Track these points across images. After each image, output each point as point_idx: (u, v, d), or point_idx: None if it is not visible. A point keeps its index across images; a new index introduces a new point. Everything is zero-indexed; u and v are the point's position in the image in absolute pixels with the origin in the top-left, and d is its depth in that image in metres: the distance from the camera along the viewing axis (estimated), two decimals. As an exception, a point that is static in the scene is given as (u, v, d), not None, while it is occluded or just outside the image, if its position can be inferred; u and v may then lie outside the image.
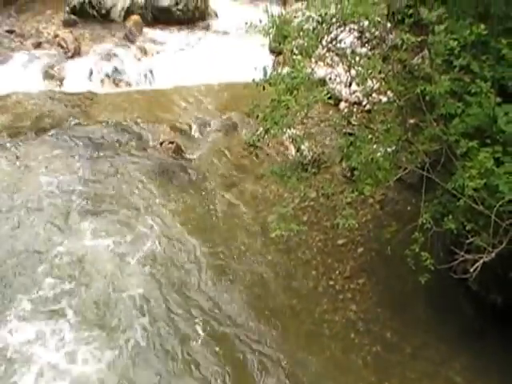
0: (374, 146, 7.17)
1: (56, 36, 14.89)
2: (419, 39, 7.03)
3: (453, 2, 7.94)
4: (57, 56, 14.12)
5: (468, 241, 6.44)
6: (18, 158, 10.20)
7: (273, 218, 7.03)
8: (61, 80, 13.30)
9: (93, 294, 7.99)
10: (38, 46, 14.60)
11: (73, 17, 15.90)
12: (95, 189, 9.68)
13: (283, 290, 8.48)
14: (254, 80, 6.88)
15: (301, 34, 6.84)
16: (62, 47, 14.40)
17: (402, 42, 6.92)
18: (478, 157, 6.38)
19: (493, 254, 6.11)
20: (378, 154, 7.11)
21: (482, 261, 6.09)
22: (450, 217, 6.57)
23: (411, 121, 7.66)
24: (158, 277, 8.40)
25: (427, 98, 6.96)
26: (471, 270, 6.15)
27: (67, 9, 16.16)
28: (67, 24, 15.65)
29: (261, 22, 6.98)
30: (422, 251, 6.57)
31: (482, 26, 6.68)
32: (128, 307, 7.84)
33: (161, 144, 10.53)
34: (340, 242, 9.03)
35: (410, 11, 7.13)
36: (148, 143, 10.60)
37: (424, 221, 6.56)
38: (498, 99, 6.66)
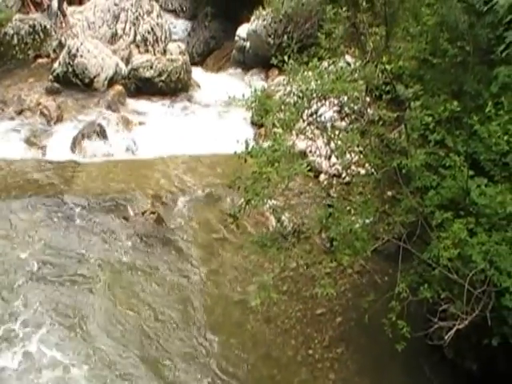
0: (353, 218, 7.32)
1: (39, 104, 14.91)
2: (396, 115, 7.29)
3: (428, 80, 8.26)
4: (39, 124, 14.17)
5: (441, 308, 6.59)
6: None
7: (253, 288, 7.10)
8: (43, 148, 13.28)
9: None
10: (20, 113, 14.61)
11: (56, 85, 15.97)
12: (70, 258, 9.61)
13: (263, 359, 8.47)
14: (235, 152, 7.01)
15: (282, 108, 7.04)
16: (45, 115, 14.44)
17: (379, 117, 7.17)
18: (453, 228, 6.57)
19: (466, 322, 6.25)
20: (357, 225, 7.25)
21: (455, 328, 6.24)
22: (426, 286, 6.69)
23: (388, 193, 7.87)
24: (131, 348, 8.36)
25: (404, 171, 7.17)
26: (446, 336, 6.29)
27: (50, 77, 16.28)
28: (50, 92, 15.71)
29: (243, 95, 7.18)
30: (398, 319, 6.67)
31: (456, 103, 6.95)
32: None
33: (142, 214, 10.56)
34: (319, 311, 9.08)
35: (387, 88, 7.41)
36: (130, 213, 10.61)
37: (400, 290, 6.68)
38: (471, 172, 6.89)
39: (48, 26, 18.39)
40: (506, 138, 6.61)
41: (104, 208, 10.71)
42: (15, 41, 17.77)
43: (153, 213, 10.59)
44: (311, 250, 8.86)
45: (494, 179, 6.94)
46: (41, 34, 18.21)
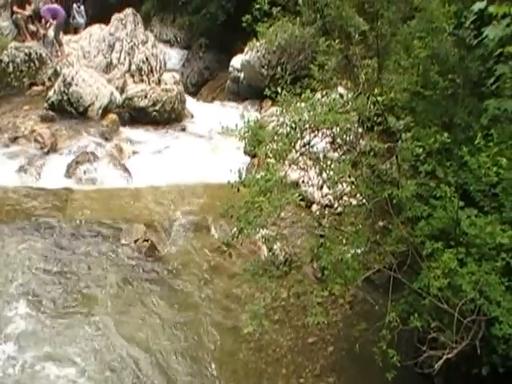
0: (344, 247, 7.36)
1: (33, 131, 14.97)
2: (387, 146, 7.38)
3: (419, 112, 8.37)
4: (33, 151, 14.22)
5: (430, 336, 6.63)
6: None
7: (245, 317, 7.11)
8: (37, 175, 13.29)
9: None
10: (14, 140, 14.65)
11: (51, 113, 16.07)
12: (61, 287, 9.58)
13: (254, 388, 8.47)
14: (229, 182, 7.08)
15: (275, 138, 7.11)
16: (39, 142, 14.49)
17: (371, 148, 7.26)
18: (443, 258, 6.62)
19: (455, 351, 6.29)
20: (348, 254, 7.29)
21: (445, 357, 6.28)
22: (416, 315, 6.71)
23: (380, 223, 7.91)
24: (121, 376, 8.28)
25: (395, 201, 7.24)
26: (435, 365, 6.32)
27: (45, 105, 16.39)
28: (45, 120, 15.79)
29: (237, 125, 7.26)
30: (388, 348, 6.68)
31: (446, 135, 7.04)
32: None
33: (135, 242, 10.57)
34: (310, 340, 9.08)
35: (379, 119, 7.50)
36: (122, 241, 10.62)
37: (391, 319, 6.70)
38: (461, 203, 6.95)
39: (43, 55, 18.54)
40: (495, 169, 6.67)
41: (97, 236, 10.71)
42: (11, 68, 17.90)
43: (145, 241, 10.61)
44: (303, 280, 8.90)
45: (484, 210, 7.00)
46: (36, 62, 18.35)
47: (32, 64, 18.26)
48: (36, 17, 19.64)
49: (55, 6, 20.85)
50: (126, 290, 9.64)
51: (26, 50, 18.33)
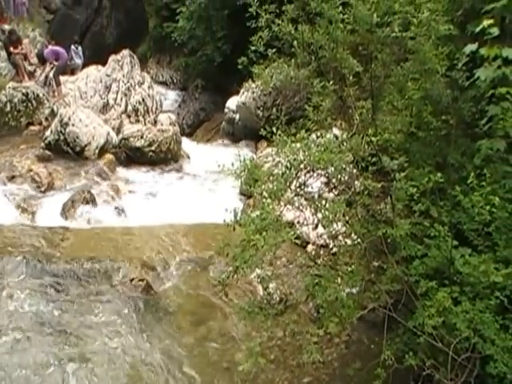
0: (339, 286, 7.39)
1: (30, 170, 15.12)
2: (382, 185, 7.44)
3: (413, 152, 8.45)
4: (30, 190, 14.33)
5: (425, 374, 6.63)
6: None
7: (241, 356, 7.10)
8: (33, 214, 13.36)
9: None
10: (11, 179, 14.79)
11: (47, 152, 16.27)
12: (53, 326, 9.53)
13: (250, 429, 8.41)
14: (224, 221, 7.12)
15: (270, 178, 7.17)
16: (36, 182, 14.61)
17: (365, 187, 7.32)
18: (437, 296, 6.65)
19: (450, 389, 6.30)
20: (343, 293, 7.31)
21: (440, 395, 6.27)
22: (411, 353, 6.73)
23: (375, 262, 7.93)
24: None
25: (389, 240, 7.29)
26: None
27: (42, 144, 16.60)
28: (42, 159, 15.97)
29: (233, 165, 7.32)
30: (383, 386, 6.69)
31: (440, 175, 7.11)
32: None
33: (131, 281, 10.56)
34: (306, 380, 9.02)
35: (374, 159, 7.58)
36: (118, 280, 10.59)
37: (386, 357, 6.70)
38: (455, 242, 7.01)
39: (41, 95, 18.78)
40: (488, 208, 6.71)
41: (92, 275, 10.68)
42: (8, 108, 18.13)
43: (141, 280, 10.59)
44: (298, 319, 8.89)
45: (478, 249, 7.04)
46: (33, 102, 18.59)
47: (29, 104, 18.48)
48: (39, 59, 19.90)
49: (58, 48, 21.16)
50: (120, 329, 9.60)
51: (24, 90, 18.56)
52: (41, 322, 9.55)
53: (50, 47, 20.85)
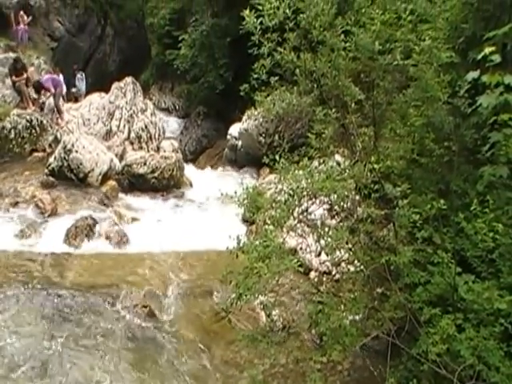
0: (343, 314, 7.37)
1: (34, 196, 15.12)
2: (384, 212, 7.45)
3: (416, 179, 8.46)
4: (33, 216, 14.32)
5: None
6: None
7: (244, 383, 7.07)
8: (37, 240, 13.29)
9: None
10: (15, 205, 14.80)
11: (51, 179, 16.28)
12: (56, 352, 9.48)
13: None
14: (227, 248, 7.13)
15: (273, 205, 7.19)
16: (40, 208, 14.59)
17: (368, 215, 7.33)
18: (441, 323, 6.64)
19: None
20: (346, 320, 7.30)
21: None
22: (415, 381, 6.68)
23: (378, 289, 7.92)
24: None
25: (392, 267, 7.28)
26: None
27: (46, 171, 16.61)
28: (45, 185, 15.99)
29: (236, 193, 7.35)
30: (387, 414, 6.64)
31: (443, 201, 7.12)
32: None
33: (134, 307, 10.52)
34: (309, 408, 8.98)
35: (376, 186, 7.60)
36: (121, 306, 10.56)
37: (389, 385, 6.68)
38: (459, 269, 7.00)
39: (44, 122, 18.92)
40: (491, 235, 6.72)
41: (96, 301, 10.65)
42: (12, 135, 18.24)
43: (144, 306, 10.56)
44: (301, 346, 8.86)
45: (481, 275, 7.03)
46: (37, 128, 18.71)
47: (33, 131, 18.59)
48: (39, 87, 20.04)
49: (55, 76, 21.33)
50: (124, 356, 9.55)
51: (28, 117, 18.69)
52: (41, 347, 9.50)
53: (47, 75, 20.99)
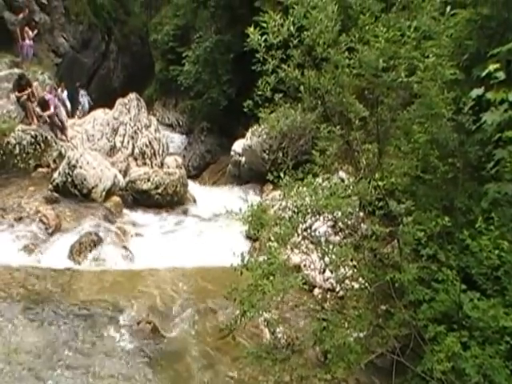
0: (347, 331, 7.35)
1: (38, 212, 15.08)
2: (389, 229, 7.44)
3: (420, 196, 8.47)
4: (37, 231, 14.30)
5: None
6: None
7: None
8: (41, 255, 13.27)
9: None
10: (19, 220, 14.73)
11: (55, 194, 16.30)
12: (61, 369, 9.43)
13: None
14: (232, 265, 7.12)
15: (278, 222, 7.19)
16: (44, 223, 14.60)
17: (372, 231, 7.33)
18: (446, 341, 6.61)
19: None
20: (351, 338, 7.27)
21: None
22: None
23: (382, 307, 7.90)
24: None
25: (397, 285, 7.26)
26: None
27: (50, 186, 16.65)
28: (49, 201, 15.97)
29: (240, 210, 7.35)
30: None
31: (447, 218, 7.13)
32: None
33: (138, 323, 10.49)
34: (313, 426, 8.93)
35: (380, 203, 7.60)
36: (125, 322, 10.53)
37: (394, 403, 6.65)
38: (464, 286, 6.98)
39: (49, 137, 18.92)
40: (496, 252, 6.71)
41: (100, 317, 10.62)
42: (17, 150, 18.26)
43: (148, 323, 10.52)
44: (305, 363, 8.81)
45: (487, 293, 7.02)
46: (42, 144, 18.72)
47: (38, 146, 18.61)
48: (44, 103, 20.11)
49: (59, 92, 21.48)
50: (127, 372, 9.51)
51: (33, 133, 18.72)
52: (45, 364, 9.47)
53: (49, 95, 21.05)
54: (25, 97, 19.87)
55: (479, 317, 6.66)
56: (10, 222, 14.68)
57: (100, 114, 20.68)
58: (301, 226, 7.33)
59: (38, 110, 19.74)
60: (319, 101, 8.29)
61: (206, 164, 27.76)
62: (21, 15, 25.31)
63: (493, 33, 8.83)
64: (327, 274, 8.16)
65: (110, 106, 20.91)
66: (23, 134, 18.58)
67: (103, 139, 19.53)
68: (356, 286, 8.21)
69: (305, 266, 9.20)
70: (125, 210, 16.76)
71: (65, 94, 23.15)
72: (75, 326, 10.37)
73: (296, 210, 7.18)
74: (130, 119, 20.00)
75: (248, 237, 14.28)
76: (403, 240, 7.35)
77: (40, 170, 18.48)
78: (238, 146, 21.96)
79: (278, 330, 8.79)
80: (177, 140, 32.71)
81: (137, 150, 19.58)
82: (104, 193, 16.69)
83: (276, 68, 7.93)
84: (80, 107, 24.66)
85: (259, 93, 8.10)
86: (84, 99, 25.96)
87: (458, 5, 9.05)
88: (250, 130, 20.23)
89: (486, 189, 7.47)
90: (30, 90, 20.14)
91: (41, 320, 10.44)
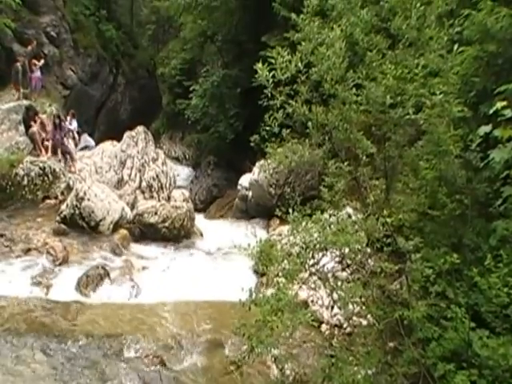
0: (355, 368, 7.31)
1: (46, 244, 15.13)
2: (397, 266, 7.44)
3: (428, 233, 8.45)
4: (45, 263, 14.31)
5: None
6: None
7: None
8: (48, 287, 13.28)
9: None
10: (27, 251, 14.80)
11: (63, 226, 16.33)
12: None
13: None
14: (240, 300, 7.10)
15: (286, 258, 7.19)
16: (51, 255, 14.61)
17: (381, 268, 7.32)
18: (455, 380, 6.58)
19: None
20: (359, 375, 7.23)
21: None
22: None
23: (391, 344, 7.86)
24: None
25: (406, 322, 7.23)
26: None
27: (58, 218, 16.67)
28: (57, 233, 16.02)
29: (249, 245, 7.35)
30: None
31: (456, 256, 7.12)
32: None
33: (146, 357, 10.45)
34: None
35: (388, 240, 7.60)
36: (132, 356, 10.49)
37: None
38: (473, 324, 6.95)
39: (57, 169, 19.00)
40: (506, 290, 6.70)
41: (107, 350, 10.58)
42: (25, 181, 18.37)
43: (156, 357, 10.49)
44: (315, 399, 8.74)
45: (496, 331, 6.99)
46: (50, 176, 18.81)
47: (46, 178, 18.70)
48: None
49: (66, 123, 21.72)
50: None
51: (41, 165, 18.83)
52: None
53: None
54: (34, 128, 20.04)
55: (489, 355, 6.63)
56: (18, 253, 14.73)
57: (108, 146, 20.77)
58: (309, 261, 7.33)
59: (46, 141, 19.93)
60: (327, 136, 8.34)
61: (212, 197, 27.74)
62: (29, 47, 25.61)
63: (499, 70, 8.89)
64: (335, 310, 8.14)
65: (118, 138, 21.00)
66: (31, 165, 18.69)
67: (111, 171, 19.59)
68: (364, 322, 8.20)
69: (312, 301, 9.18)
70: (132, 243, 16.75)
71: (74, 125, 23.17)
72: (82, 360, 10.34)
73: (304, 246, 7.18)
74: (138, 152, 20.06)
75: (255, 271, 14.24)
76: (412, 277, 7.35)
77: (48, 201, 18.54)
78: (245, 180, 21.98)
79: (286, 366, 8.73)
80: (183, 173, 32.79)
81: (144, 183, 19.61)
82: (111, 225, 16.71)
83: (283, 103, 7.99)
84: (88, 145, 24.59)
85: (266, 128, 8.15)
86: (88, 139, 25.70)
87: (465, 42, 9.12)
88: (257, 164, 20.27)
89: (495, 226, 7.47)
90: (39, 120, 20.34)
91: (47, 352, 10.41)
